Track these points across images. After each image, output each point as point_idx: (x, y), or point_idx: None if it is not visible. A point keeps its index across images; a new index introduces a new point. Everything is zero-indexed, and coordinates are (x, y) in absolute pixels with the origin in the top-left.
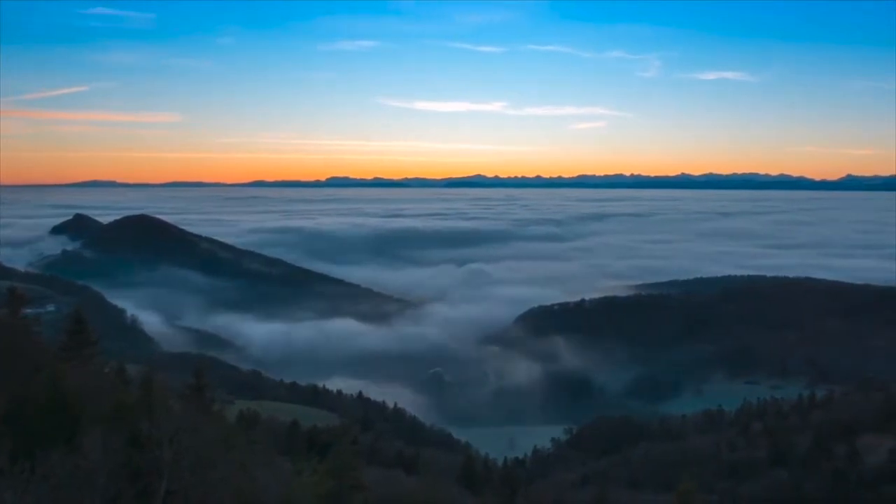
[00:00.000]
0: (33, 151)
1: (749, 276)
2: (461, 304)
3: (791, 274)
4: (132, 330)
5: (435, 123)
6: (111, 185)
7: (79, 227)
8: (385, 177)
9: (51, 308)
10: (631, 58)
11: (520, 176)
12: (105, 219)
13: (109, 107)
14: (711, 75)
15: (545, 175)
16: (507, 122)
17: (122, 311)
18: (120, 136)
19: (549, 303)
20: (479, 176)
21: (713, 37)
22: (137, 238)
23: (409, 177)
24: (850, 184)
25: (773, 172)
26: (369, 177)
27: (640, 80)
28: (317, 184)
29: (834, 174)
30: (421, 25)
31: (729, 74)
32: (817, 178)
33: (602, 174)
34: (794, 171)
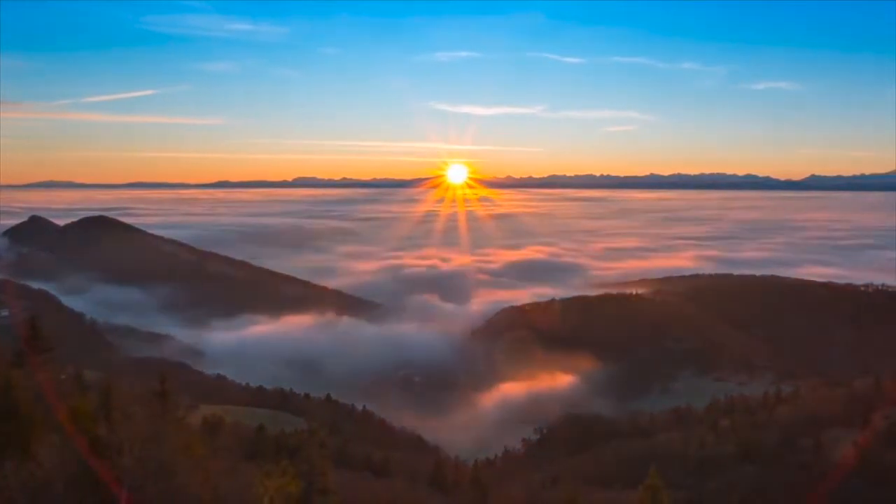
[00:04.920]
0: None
1: (717, 275)
2: (430, 304)
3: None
4: (91, 335)
5: (459, 125)
6: (69, 184)
7: (34, 229)
8: (354, 177)
9: (4, 313)
10: (700, 68)
11: (490, 177)
12: (62, 220)
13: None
14: (761, 85)
15: (516, 175)
16: (536, 123)
17: (80, 316)
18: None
19: (519, 303)
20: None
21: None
22: (97, 240)
23: (378, 178)
24: (814, 183)
25: (741, 172)
26: (337, 177)
27: (680, 87)
28: (283, 184)
29: (799, 174)
30: (520, 37)
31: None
32: (782, 177)
33: (573, 174)
34: (761, 171)
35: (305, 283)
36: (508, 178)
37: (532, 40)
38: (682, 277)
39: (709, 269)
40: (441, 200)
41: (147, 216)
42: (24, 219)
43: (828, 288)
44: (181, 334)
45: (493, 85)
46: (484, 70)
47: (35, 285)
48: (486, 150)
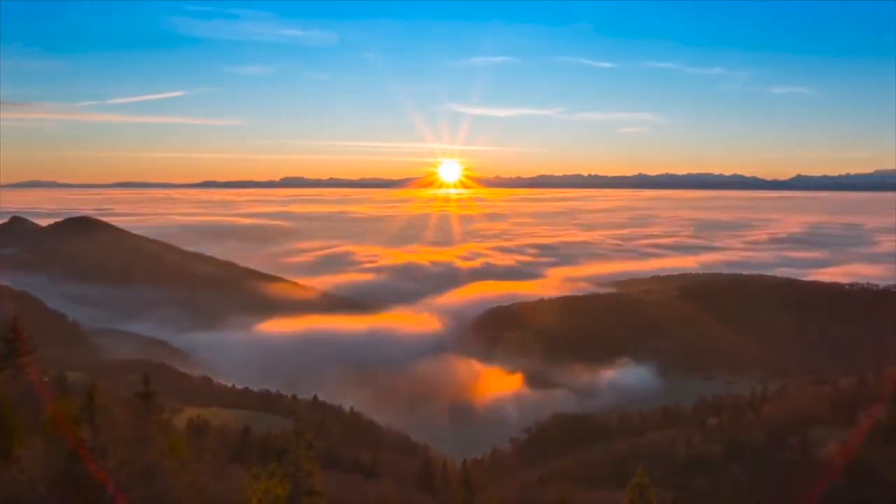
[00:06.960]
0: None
1: (704, 274)
2: (412, 302)
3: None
4: (75, 336)
5: (466, 127)
6: (51, 184)
7: (15, 229)
8: (341, 177)
9: None
10: (725, 73)
11: (481, 176)
12: (46, 220)
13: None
14: (780, 89)
15: (504, 176)
16: (549, 125)
17: (63, 317)
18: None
19: (507, 303)
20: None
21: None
22: (79, 240)
23: (367, 177)
24: (800, 183)
25: (728, 173)
26: (325, 177)
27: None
28: (270, 184)
29: (785, 174)
30: (561, 44)
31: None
32: (769, 177)
33: (560, 174)
34: (748, 171)
35: (291, 283)
36: (497, 177)
37: (572, 47)
38: (670, 277)
39: (696, 268)
40: (430, 200)
41: (132, 216)
42: (6, 219)
43: (814, 287)
44: (165, 335)
45: (517, 88)
46: (514, 74)
47: (17, 286)
48: (486, 151)
